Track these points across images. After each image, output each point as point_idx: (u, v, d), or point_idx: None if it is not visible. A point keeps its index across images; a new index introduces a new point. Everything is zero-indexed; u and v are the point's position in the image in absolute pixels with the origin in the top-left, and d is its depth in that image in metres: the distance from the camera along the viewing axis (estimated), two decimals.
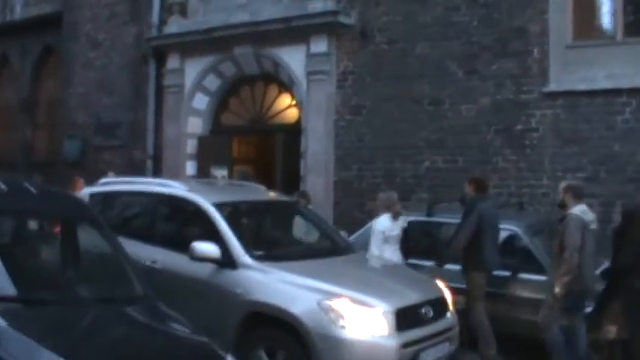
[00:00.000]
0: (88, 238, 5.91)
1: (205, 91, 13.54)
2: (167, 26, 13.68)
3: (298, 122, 12.67)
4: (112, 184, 8.61)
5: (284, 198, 8.95)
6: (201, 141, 13.51)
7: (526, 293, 7.74)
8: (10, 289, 4.57)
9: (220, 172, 13.20)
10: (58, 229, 5.83)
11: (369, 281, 6.76)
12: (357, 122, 11.82)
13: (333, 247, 7.65)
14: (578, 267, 6.76)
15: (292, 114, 12.98)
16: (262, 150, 14.12)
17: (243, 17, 12.73)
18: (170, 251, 6.99)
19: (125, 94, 14.27)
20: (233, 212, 7.33)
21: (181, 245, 6.76)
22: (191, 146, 13.57)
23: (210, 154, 13.25)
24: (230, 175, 13.25)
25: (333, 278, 6.32)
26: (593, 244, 7.04)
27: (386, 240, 8.45)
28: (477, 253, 7.67)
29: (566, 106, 10.27)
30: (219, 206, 6.98)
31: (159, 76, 13.88)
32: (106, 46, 14.59)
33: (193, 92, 13.50)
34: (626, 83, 9.94)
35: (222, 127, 13.70)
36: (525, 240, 8.10)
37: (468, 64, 10.91)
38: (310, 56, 12.10)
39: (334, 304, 5.86)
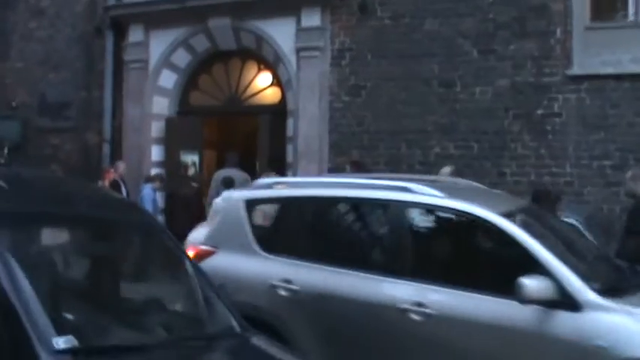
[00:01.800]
0: (150, 253, 4.63)
1: (173, 67, 12.11)
2: None
3: (282, 103, 11.54)
4: (290, 186, 5.98)
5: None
6: (169, 123, 12.09)
7: None
8: (66, 338, 3.18)
9: (191, 158, 11.90)
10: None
11: None
12: (356, 104, 10.82)
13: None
14: None
15: (274, 94, 11.81)
16: (238, 134, 12.88)
17: None
18: (449, 289, 4.79)
19: (76, 69, 12.60)
20: (531, 228, 5.06)
21: (466, 279, 4.80)
22: (156, 129, 12.12)
23: (179, 137, 11.86)
24: (201, 161, 11.97)
25: None
26: None
27: None
28: None
29: (591, 90, 9.70)
30: (511, 218, 4.94)
31: (117, 50, 12.31)
32: (51, 14, 12.81)
33: (159, 69, 12.04)
34: None
35: (191, 108, 12.33)
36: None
37: (483, 43, 10.14)
38: (301, 30, 10.97)
39: None
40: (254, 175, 11.39)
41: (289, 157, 11.15)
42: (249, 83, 11.97)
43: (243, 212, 5.56)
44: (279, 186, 5.97)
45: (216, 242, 5.54)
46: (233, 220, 5.57)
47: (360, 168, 9.67)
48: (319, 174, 10.73)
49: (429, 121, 10.40)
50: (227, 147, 12.18)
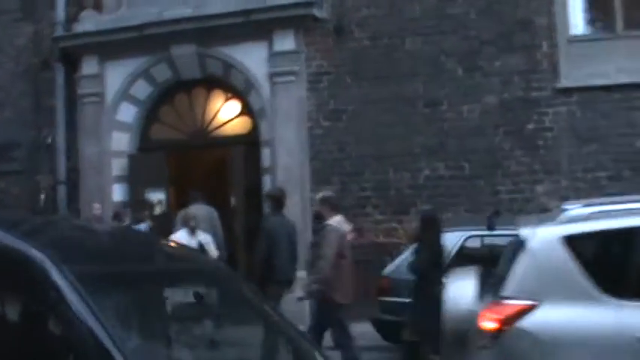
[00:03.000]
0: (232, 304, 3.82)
1: (132, 100, 11.31)
2: (79, 23, 11.28)
3: (253, 133, 10.93)
4: (623, 214, 4.70)
5: None
6: (132, 160, 11.24)
7: None
8: None
9: (157, 196, 11.09)
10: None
11: None
12: (337, 129, 10.35)
13: None
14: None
15: (244, 124, 11.18)
16: (204, 168, 12.11)
17: (183, 11, 10.76)
18: None
19: (22, 107, 11.58)
20: None
21: None
22: (117, 167, 11.24)
23: (144, 175, 11.03)
24: (168, 200, 11.17)
25: None
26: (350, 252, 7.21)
27: None
28: (270, 267, 7.74)
29: (581, 102, 9.61)
30: None
31: (69, 84, 11.40)
32: None
33: (117, 102, 11.22)
34: None
35: (154, 143, 11.51)
36: None
37: (468, 60, 9.92)
38: (274, 55, 10.44)
39: None
40: (229, 210, 10.79)
41: (267, 189, 10.50)
42: (216, 113, 11.29)
43: (565, 252, 4.48)
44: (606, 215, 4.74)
45: (532, 294, 4.49)
46: (551, 264, 4.53)
47: (274, 201, 8.19)
48: (302, 205, 10.22)
49: (416, 143, 10.04)
50: (193, 182, 11.40)
